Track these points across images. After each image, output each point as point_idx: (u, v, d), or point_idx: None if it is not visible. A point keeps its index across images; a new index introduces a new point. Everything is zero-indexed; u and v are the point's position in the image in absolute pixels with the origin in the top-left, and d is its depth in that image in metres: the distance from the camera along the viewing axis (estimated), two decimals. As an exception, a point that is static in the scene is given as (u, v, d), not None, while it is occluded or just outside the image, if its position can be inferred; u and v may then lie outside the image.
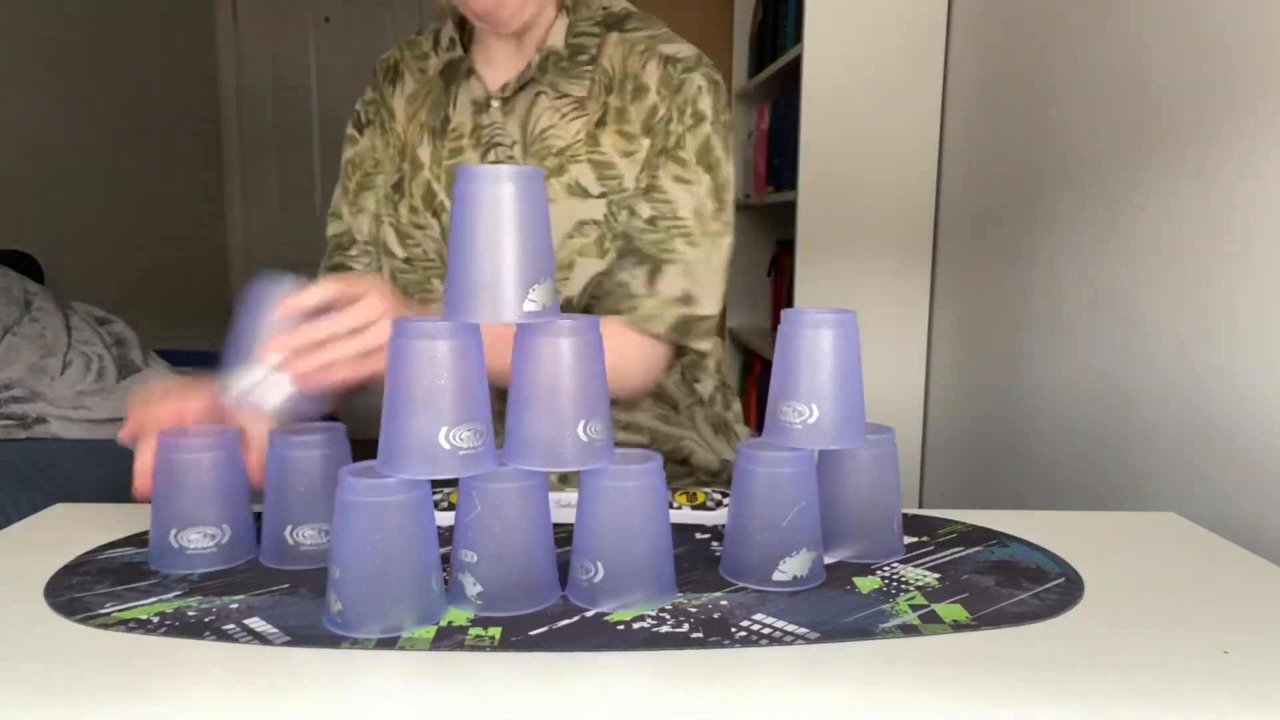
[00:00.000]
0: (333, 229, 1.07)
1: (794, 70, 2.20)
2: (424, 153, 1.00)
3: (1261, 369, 1.02)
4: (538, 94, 0.97)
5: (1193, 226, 1.15)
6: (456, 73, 1.01)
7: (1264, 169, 1.03)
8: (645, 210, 0.94)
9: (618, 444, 0.79)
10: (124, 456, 1.87)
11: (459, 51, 1.01)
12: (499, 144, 0.97)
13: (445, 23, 1.03)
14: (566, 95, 0.96)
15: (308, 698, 0.55)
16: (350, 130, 1.07)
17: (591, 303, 0.96)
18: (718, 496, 0.88)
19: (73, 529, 0.84)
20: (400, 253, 1.01)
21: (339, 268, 1.05)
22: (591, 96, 0.96)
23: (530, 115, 0.97)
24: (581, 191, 0.94)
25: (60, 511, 0.90)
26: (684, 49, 0.96)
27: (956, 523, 0.87)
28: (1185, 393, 1.16)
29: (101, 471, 1.67)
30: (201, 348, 3.67)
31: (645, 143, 0.95)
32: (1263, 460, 1.02)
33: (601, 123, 0.96)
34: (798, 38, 2.03)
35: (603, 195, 0.94)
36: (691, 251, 0.94)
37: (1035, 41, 1.59)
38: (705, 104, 0.95)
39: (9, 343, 1.81)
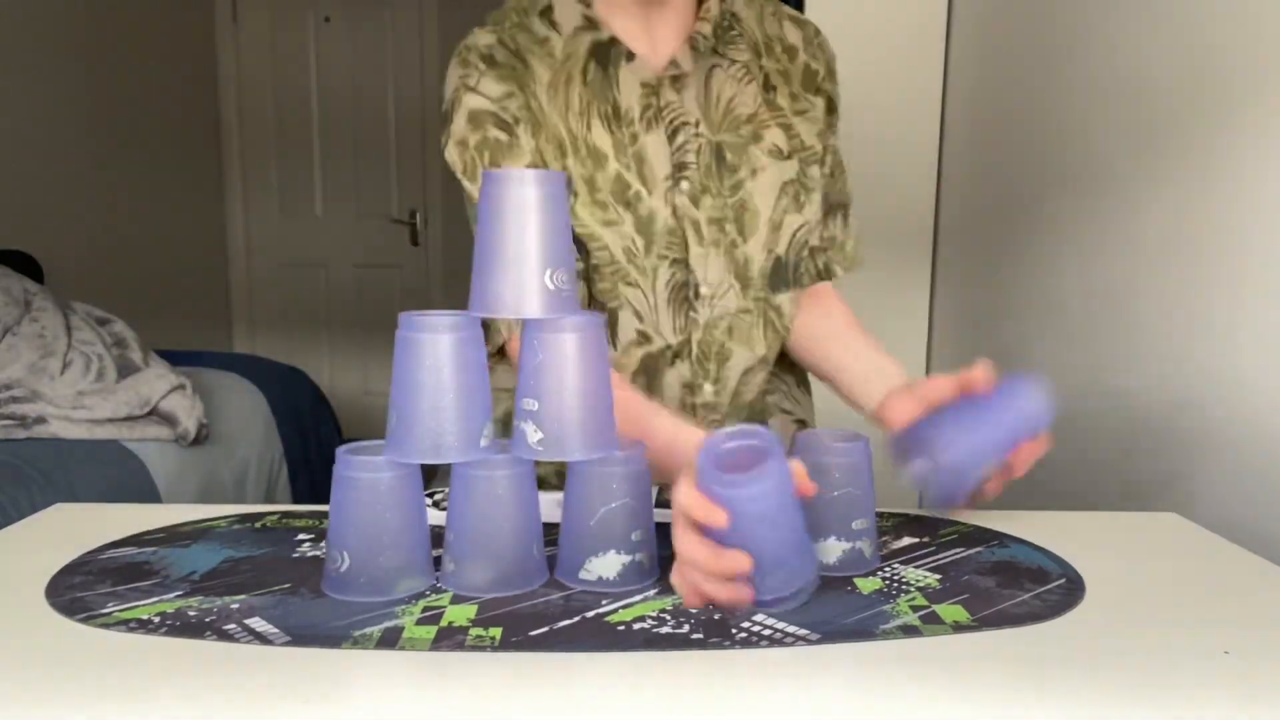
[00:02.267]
0: None
1: (794, 70, 2.20)
2: (603, 143, 0.92)
3: (1261, 369, 1.02)
4: (712, 66, 0.96)
5: (1193, 226, 1.15)
6: (609, 54, 0.93)
7: (1264, 169, 1.03)
8: (825, 167, 1.02)
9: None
10: (124, 456, 1.86)
11: (603, 32, 0.94)
12: (684, 123, 0.94)
13: (538, 2, 0.95)
14: (736, 62, 0.97)
15: (308, 698, 0.55)
16: (494, 134, 0.90)
17: (802, 259, 1.02)
18: None
19: (73, 529, 0.84)
20: (579, 264, 0.91)
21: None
22: (750, 60, 0.98)
23: (709, 88, 0.95)
24: (780, 154, 0.97)
25: (60, 511, 0.90)
26: (794, 10, 1.04)
27: (957, 523, 0.87)
28: (1185, 393, 1.16)
29: (101, 471, 1.67)
30: (202, 348, 3.67)
31: (817, 101, 1.01)
32: (1263, 460, 1.02)
33: (770, 86, 0.98)
34: (798, 38, 2.03)
35: (791, 155, 0.98)
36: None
37: (1035, 41, 1.59)
38: (835, 61, 1.04)
39: (9, 343, 1.81)
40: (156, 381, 1.90)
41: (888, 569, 0.75)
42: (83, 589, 0.70)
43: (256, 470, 2.15)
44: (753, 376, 1.00)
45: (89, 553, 0.78)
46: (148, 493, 1.74)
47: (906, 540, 0.81)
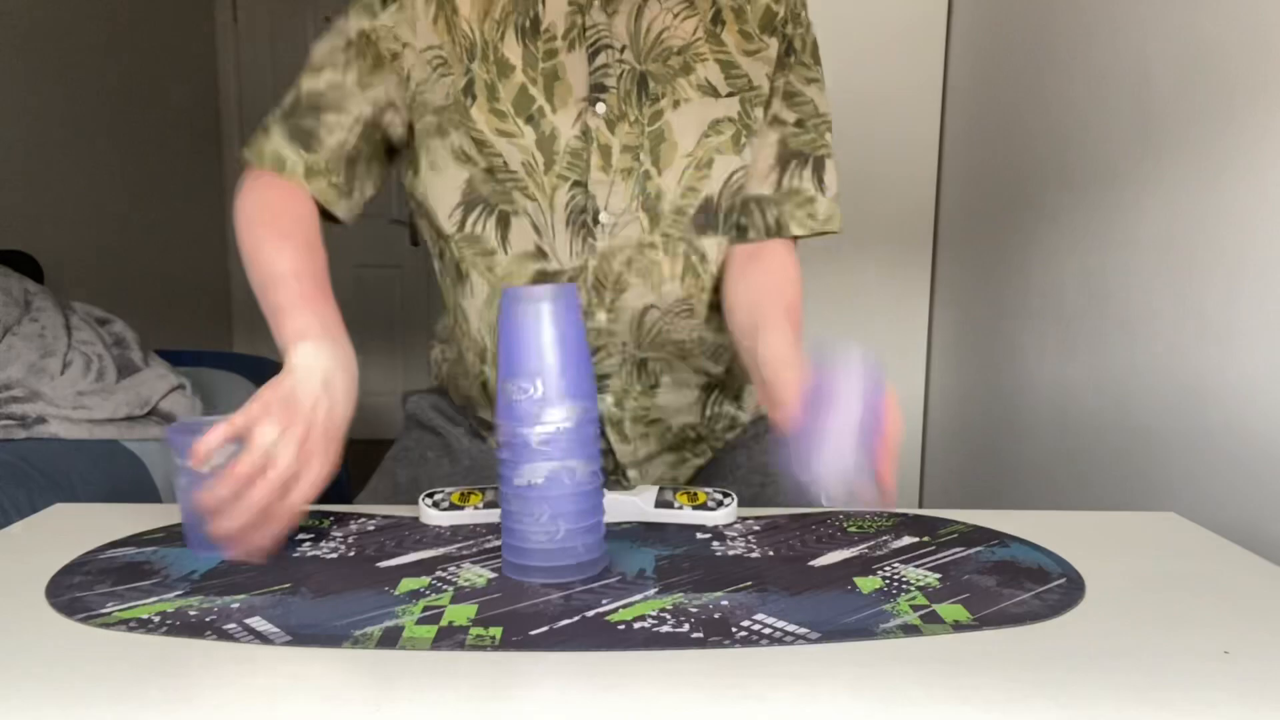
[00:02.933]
0: (310, 84, 0.94)
1: (794, 70, 2.20)
2: (513, 54, 0.91)
3: (1261, 369, 1.02)
4: None
5: (1193, 226, 1.15)
6: None
7: (1264, 169, 1.03)
8: (790, 115, 0.99)
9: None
10: (124, 456, 1.86)
11: None
12: (606, 46, 0.92)
13: None
14: None
15: (308, 697, 0.55)
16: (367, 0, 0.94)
17: (737, 205, 0.98)
18: (719, 496, 0.88)
19: (73, 529, 0.84)
20: (480, 161, 0.91)
21: (304, 134, 0.93)
22: None
23: (640, 16, 0.93)
24: (712, 90, 0.94)
25: (60, 511, 0.90)
26: None
27: (957, 523, 0.87)
28: (1185, 393, 1.16)
29: (101, 471, 1.68)
30: (202, 348, 3.67)
31: (771, 42, 0.97)
32: (1263, 460, 1.02)
33: (718, 20, 0.96)
34: (798, 38, 2.03)
35: (732, 94, 0.95)
36: (832, 143, 1.01)
37: (1035, 41, 1.59)
38: (805, 6, 1.01)
39: (9, 343, 1.81)
40: (156, 381, 1.90)
41: (887, 568, 0.75)
42: (82, 589, 0.70)
43: (256, 470, 2.14)
44: (659, 317, 0.97)
45: (88, 553, 0.78)
46: (148, 493, 1.74)
47: (906, 540, 0.81)
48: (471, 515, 0.85)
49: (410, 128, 0.97)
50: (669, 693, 0.55)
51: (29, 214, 2.75)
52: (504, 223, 0.93)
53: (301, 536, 0.82)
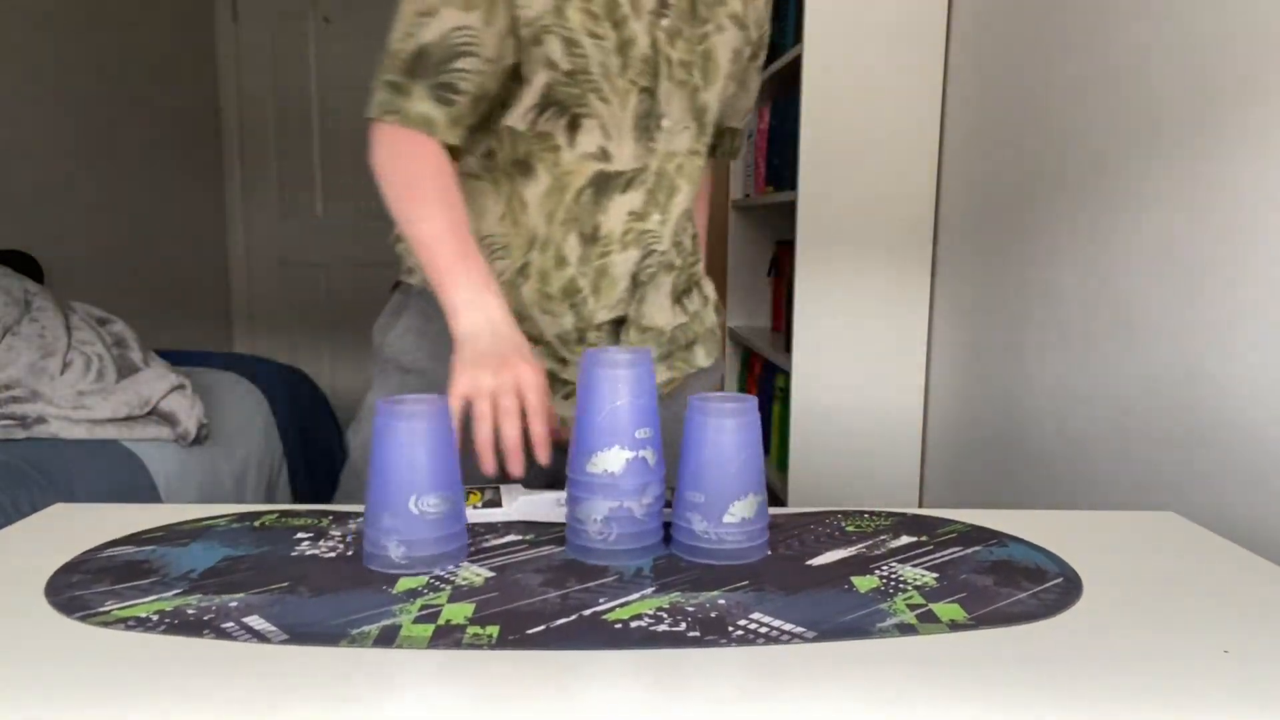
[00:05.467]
0: (436, 29, 0.92)
1: (794, 70, 2.20)
2: None
3: (1261, 369, 1.02)
4: None
5: (1193, 227, 1.15)
6: None
7: (1264, 169, 1.02)
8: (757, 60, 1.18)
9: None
10: (124, 456, 1.86)
11: None
12: None
13: None
14: None
15: (306, 696, 0.55)
16: None
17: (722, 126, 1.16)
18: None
19: (73, 529, 0.84)
20: (565, 64, 0.95)
21: (444, 88, 0.94)
22: None
23: None
24: (739, 22, 1.05)
25: (60, 511, 0.90)
26: None
27: (956, 522, 0.87)
28: (1185, 393, 1.16)
29: (101, 471, 1.67)
30: (201, 348, 3.67)
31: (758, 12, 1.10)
32: (1262, 460, 1.02)
33: None
34: (798, 38, 2.03)
35: (746, 29, 1.07)
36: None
37: (1035, 41, 1.59)
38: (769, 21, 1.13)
39: (9, 343, 1.81)
40: (156, 381, 1.90)
41: (885, 567, 0.75)
42: (81, 587, 0.70)
43: (256, 470, 2.14)
44: (685, 218, 1.10)
45: (87, 551, 0.78)
46: (148, 493, 1.74)
47: (904, 539, 0.81)
48: (470, 515, 0.85)
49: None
50: (666, 692, 0.55)
51: (29, 214, 2.75)
52: (574, 125, 0.98)
53: (300, 536, 0.82)
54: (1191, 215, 1.15)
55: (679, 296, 1.13)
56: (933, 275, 2.02)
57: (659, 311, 1.10)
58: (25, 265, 2.56)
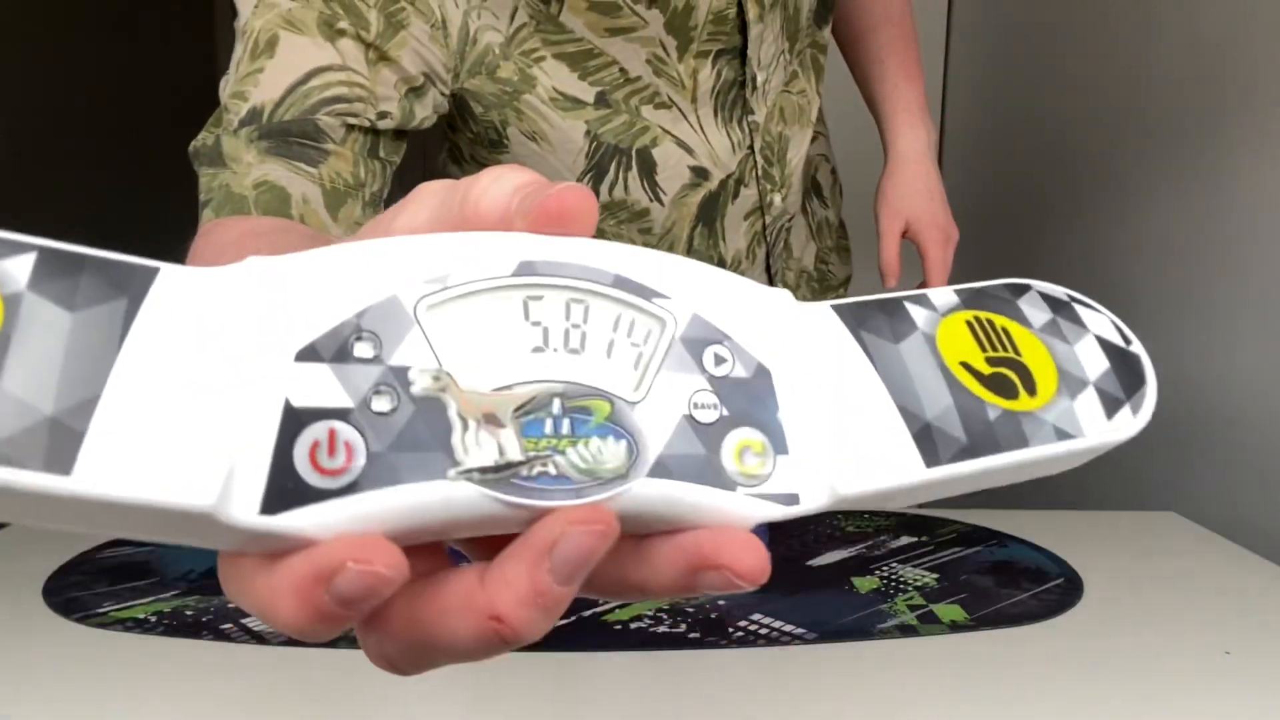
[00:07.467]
0: (323, 88, 0.56)
1: (794, 70, 2.20)
2: None
3: (1261, 369, 1.02)
4: None
5: (1194, 226, 1.15)
6: None
7: (1265, 169, 1.02)
8: None
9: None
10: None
11: None
12: None
13: None
14: None
15: (305, 697, 0.54)
16: None
17: None
18: None
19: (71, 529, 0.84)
20: (588, 95, 0.65)
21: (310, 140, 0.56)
22: None
23: None
24: None
25: (58, 511, 0.90)
26: None
27: (956, 523, 0.86)
28: (1185, 393, 1.16)
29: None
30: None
31: None
32: (1263, 460, 1.02)
33: None
34: (798, 37, 2.03)
35: None
36: None
37: (1036, 41, 1.59)
38: None
39: (9, 343, 1.81)
40: (156, 381, 1.90)
41: (885, 568, 0.75)
42: (80, 588, 0.70)
43: (256, 470, 2.15)
44: (802, 159, 0.84)
45: (86, 552, 0.78)
46: (147, 493, 1.74)
47: (905, 540, 0.81)
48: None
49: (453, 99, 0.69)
50: (666, 693, 0.55)
51: (29, 214, 2.75)
52: (647, 167, 0.69)
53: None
54: (1192, 215, 1.15)
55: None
56: (933, 275, 2.02)
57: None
58: (25, 265, 2.56)
